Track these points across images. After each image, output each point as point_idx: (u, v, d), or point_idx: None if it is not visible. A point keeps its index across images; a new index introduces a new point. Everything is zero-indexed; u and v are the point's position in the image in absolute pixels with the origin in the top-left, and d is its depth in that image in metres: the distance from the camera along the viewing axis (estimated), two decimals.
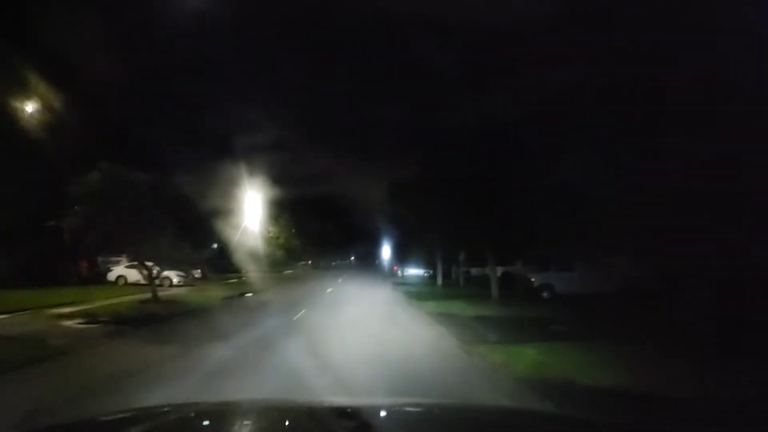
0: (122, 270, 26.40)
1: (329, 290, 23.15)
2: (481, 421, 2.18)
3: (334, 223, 66.30)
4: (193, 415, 2.16)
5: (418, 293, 21.20)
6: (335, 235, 73.08)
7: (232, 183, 29.65)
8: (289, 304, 15.99)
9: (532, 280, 19.28)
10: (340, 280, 33.90)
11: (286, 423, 2.11)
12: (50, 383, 6.17)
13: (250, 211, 36.27)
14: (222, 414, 2.21)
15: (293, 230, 58.20)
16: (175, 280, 26.31)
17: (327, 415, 2.05)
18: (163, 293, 19.64)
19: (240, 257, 33.15)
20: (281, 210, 45.35)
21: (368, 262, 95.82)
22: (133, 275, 25.94)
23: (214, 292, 20.03)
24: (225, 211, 31.65)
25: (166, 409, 2.38)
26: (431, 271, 40.75)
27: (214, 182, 24.62)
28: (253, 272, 31.50)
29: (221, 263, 32.15)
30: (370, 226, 55.03)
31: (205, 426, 2.07)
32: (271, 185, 35.89)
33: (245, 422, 2.09)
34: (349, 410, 2.01)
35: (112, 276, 26.26)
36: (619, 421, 3.86)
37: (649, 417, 4.79)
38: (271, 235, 45.98)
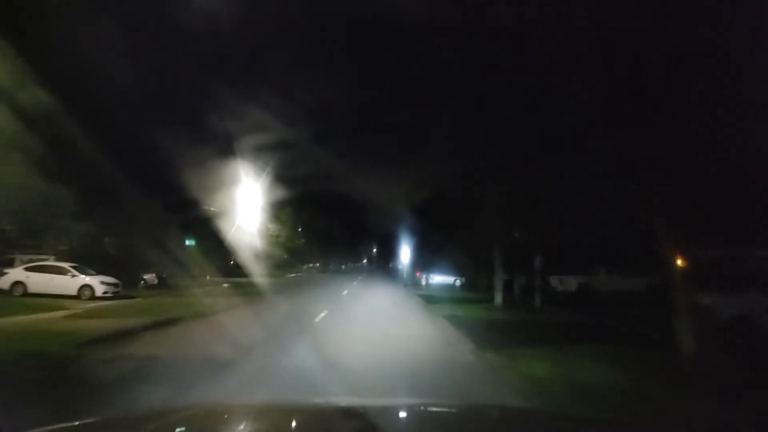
0: (20, 274, 17.85)
1: (323, 314, 13.66)
2: (485, 420, 2.16)
3: (345, 222, 58.19)
4: (198, 415, 2.10)
5: (479, 324, 11.76)
6: (346, 235, 65.14)
7: (219, 170, 26.00)
8: (216, 368, 6.87)
9: (713, 307, 9.86)
10: (345, 292, 24.49)
11: (294, 423, 2.06)
12: None
13: (244, 205, 31.79)
14: (228, 414, 2.17)
15: (298, 228, 52.65)
16: (100, 291, 17.62)
17: (333, 415, 2.03)
18: (18, 319, 10.65)
19: (231, 259, 29.48)
20: (283, 205, 40.03)
21: (382, 264, 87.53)
22: (39, 281, 17.65)
23: (112, 319, 10.97)
24: (206, 198, 26.62)
25: (170, 409, 2.36)
26: (463, 279, 32.70)
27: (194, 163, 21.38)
28: (245, 277, 26.27)
29: (213, 265, 26.89)
30: (386, 225, 49.07)
31: (211, 426, 2.00)
32: (270, 177, 31.20)
33: (251, 422, 2.04)
34: (354, 410, 2.01)
35: (5, 282, 17.62)
36: (621, 419, 3.64)
37: None
38: (270, 233, 41.32)
